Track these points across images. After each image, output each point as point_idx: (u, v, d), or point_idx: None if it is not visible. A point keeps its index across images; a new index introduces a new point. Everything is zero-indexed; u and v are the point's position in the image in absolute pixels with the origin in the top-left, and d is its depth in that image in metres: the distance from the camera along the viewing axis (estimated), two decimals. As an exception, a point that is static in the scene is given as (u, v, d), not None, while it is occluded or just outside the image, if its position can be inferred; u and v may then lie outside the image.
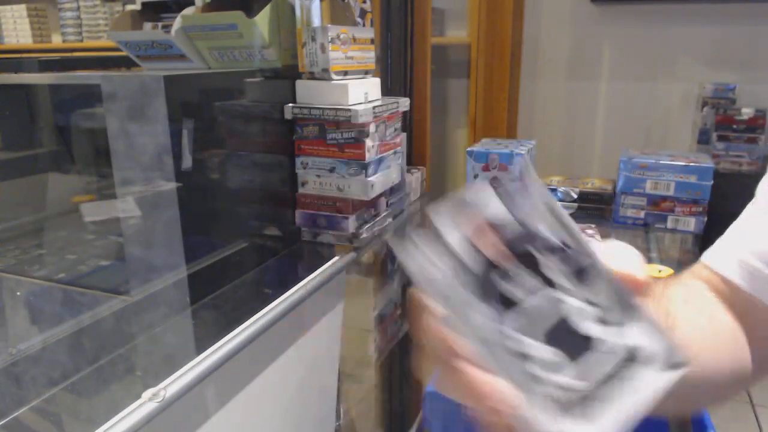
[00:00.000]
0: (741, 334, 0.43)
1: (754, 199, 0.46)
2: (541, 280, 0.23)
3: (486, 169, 1.28)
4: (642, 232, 1.26)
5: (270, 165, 0.92)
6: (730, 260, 0.44)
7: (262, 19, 0.87)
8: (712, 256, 0.47)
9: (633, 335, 0.22)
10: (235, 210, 0.90)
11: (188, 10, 0.90)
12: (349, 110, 0.87)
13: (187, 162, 0.80)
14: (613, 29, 1.88)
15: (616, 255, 0.24)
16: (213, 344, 0.70)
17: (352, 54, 0.93)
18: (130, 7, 0.98)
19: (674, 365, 0.22)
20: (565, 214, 0.24)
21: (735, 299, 0.44)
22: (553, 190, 1.44)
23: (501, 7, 1.86)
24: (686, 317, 0.42)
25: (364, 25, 0.99)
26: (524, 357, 0.21)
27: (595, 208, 1.37)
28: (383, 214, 1.05)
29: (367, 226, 0.97)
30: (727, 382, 0.43)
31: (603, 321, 0.22)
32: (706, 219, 1.19)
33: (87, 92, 0.86)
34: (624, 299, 0.22)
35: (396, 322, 1.26)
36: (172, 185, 0.78)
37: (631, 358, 0.22)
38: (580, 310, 0.22)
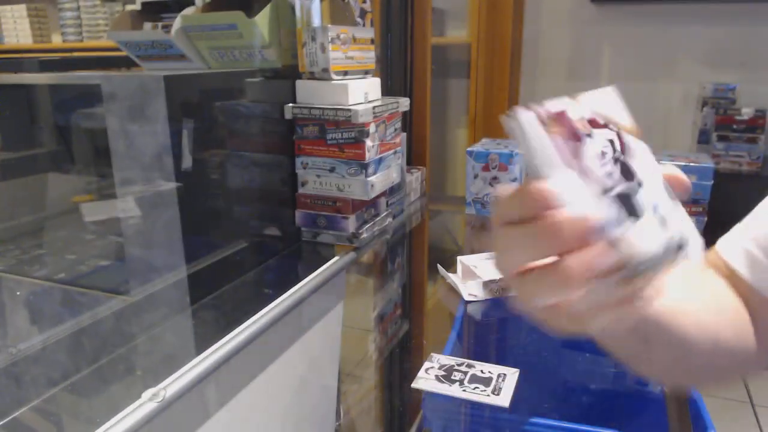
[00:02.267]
0: (745, 313, 0.43)
1: None
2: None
3: (486, 168, 1.28)
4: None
5: (270, 165, 0.92)
6: (736, 247, 0.45)
7: (262, 19, 0.87)
8: (722, 241, 0.47)
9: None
10: (235, 210, 0.90)
11: (188, 10, 0.90)
12: (349, 110, 0.87)
13: (187, 162, 0.80)
14: (613, 29, 1.88)
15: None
16: (213, 344, 0.70)
17: (352, 54, 0.93)
18: (130, 7, 0.98)
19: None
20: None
21: (738, 288, 0.44)
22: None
23: (501, 7, 1.86)
24: (686, 281, 0.41)
25: (364, 25, 0.99)
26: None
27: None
28: (383, 214, 1.05)
29: (367, 226, 0.97)
30: (728, 354, 0.42)
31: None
32: (706, 219, 1.19)
33: (87, 92, 0.86)
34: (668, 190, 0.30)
35: (396, 321, 1.26)
36: (172, 185, 0.78)
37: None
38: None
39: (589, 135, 0.28)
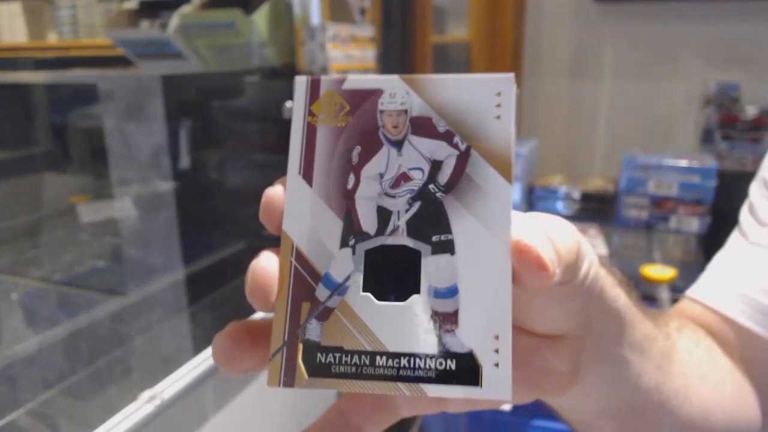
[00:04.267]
0: (746, 384, 0.38)
1: (738, 229, 0.42)
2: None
3: (487, 168, 1.27)
4: (644, 232, 1.26)
5: (268, 164, 0.92)
6: (731, 297, 0.39)
7: (261, 17, 0.86)
8: (705, 292, 0.41)
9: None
10: (233, 210, 0.89)
11: (186, 8, 0.89)
12: (349, 109, 0.87)
13: (185, 162, 0.79)
14: (616, 28, 1.87)
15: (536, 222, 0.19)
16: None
17: (351, 52, 0.92)
18: (127, 5, 0.97)
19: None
20: None
21: (739, 342, 0.38)
22: (555, 190, 1.44)
23: (502, 5, 1.85)
24: (685, 347, 0.34)
25: (363, 24, 0.98)
26: None
27: (597, 209, 1.37)
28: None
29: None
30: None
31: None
32: (709, 219, 1.19)
33: (83, 91, 0.85)
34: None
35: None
36: (169, 185, 0.77)
37: None
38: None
39: (397, 142, 0.18)
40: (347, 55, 0.91)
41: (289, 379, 0.17)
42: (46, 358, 0.72)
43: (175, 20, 0.88)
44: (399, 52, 1.26)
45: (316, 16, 0.87)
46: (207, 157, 0.84)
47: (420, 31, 1.30)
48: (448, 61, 2.15)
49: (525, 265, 0.17)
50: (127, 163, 0.75)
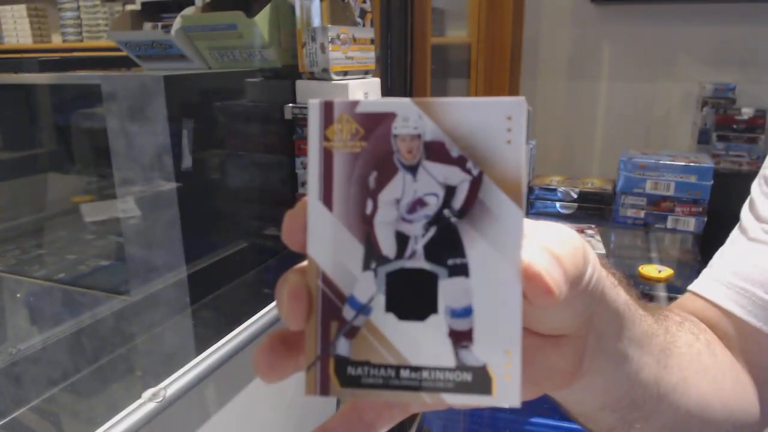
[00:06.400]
0: (745, 376, 0.39)
1: (739, 226, 0.43)
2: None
3: (486, 169, 1.28)
4: (642, 231, 1.27)
5: (270, 165, 0.92)
6: (730, 292, 0.40)
7: (262, 19, 0.87)
8: (705, 287, 0.42)
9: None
10: (235, 210, 0.90)
11: (188, 10, 0.90)
12: (349, 110, 0.87)
13: (187, 162, 0.80)
14: (613, 29, 1.88)
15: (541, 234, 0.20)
16: (213, 344, 0.70)
17: (352, 54, 0.93)
18: (129, 7, 0.98)
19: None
20: None
21: (738, 335, 0.39)
22: (553, 190, 1.45)
23: (501, 7, 1.86)
24: (685, 341, 0.35)
25: (364, 25, 0.99)
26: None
27: (595, 208, 1.37)
28: (383, 214, 1.05)
29: (367, 226, 0.97)
30: (727, 427, 0.37)
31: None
32: (706, 219, 1.20)
33: (87, 92, 0.86)
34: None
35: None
36: (172, 185, 0.78)
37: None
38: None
39: (412, 167, 0.19)
40: (348, 56, 0.92)
41: (324, 389, 0.19)
42: (50, 357, 0.72)
43: (177, 22, 0.89)
44: (399, 54, 1.27)
45: (317, 18, 0.88)
46: (209, 158, 0.85)
47: (420, 33, 1.31)
48: (448, 62, 2.15)
49: (533, 289, 0.18)
50: (130, 163, 0.76)
